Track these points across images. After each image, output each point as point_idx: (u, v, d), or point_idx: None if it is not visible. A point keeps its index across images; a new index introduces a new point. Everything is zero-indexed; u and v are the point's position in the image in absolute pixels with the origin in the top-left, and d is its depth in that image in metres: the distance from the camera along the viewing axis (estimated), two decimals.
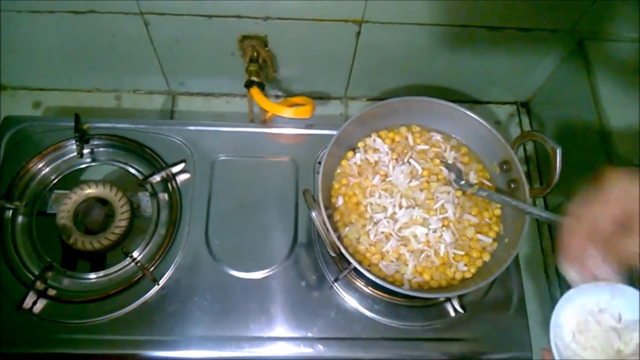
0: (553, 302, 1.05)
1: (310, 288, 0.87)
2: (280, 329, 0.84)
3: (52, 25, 0.97)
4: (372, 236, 0.82)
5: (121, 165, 0.95)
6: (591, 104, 0.97)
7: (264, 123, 1.03)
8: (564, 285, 0.90)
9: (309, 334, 0.84)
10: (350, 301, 0.86)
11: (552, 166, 0.79)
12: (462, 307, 0.84)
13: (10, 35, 1.00)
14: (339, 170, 0.89)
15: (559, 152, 0.78)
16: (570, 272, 0.58)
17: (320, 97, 1.20)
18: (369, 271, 0.75)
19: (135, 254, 0.87)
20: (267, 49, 1.00)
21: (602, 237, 0.49)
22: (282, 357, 0.83)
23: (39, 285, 0.83)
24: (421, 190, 0.86)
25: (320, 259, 0.89)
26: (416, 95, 0.88)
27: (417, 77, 1.13)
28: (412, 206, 0.84)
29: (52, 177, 0.93)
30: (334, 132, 0.85)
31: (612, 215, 0.49)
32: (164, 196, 0.93)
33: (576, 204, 0.53)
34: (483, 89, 1.18)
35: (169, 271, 0.86)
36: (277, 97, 1.19)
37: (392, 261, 0.81)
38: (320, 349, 0.83)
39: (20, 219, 0.90)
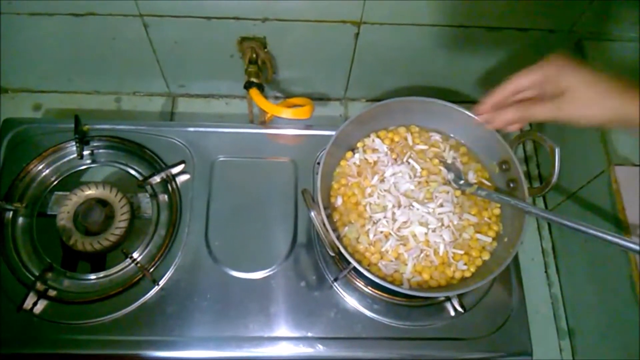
0: (553, 301, 1.06)
1: (310, 288, 0.87)
2: (280, 329, 0.84)
3: (51, 27, 0.97)
4: (371, 236, 0.83)
5: (121, 166, 0.95)
6: None
7: (264, 124, 1.03)
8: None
9: (309, 334, 0.84)
10: (350, 301, 0.86)
11: (551, 166, 0.79)
12: (462, 306, 0.84)
13: (10, 37, 1.00)
14: (338, 171, 0.89)
15: (557, 151, 0.78)
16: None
17: (319, 98, 1.20)
18: (368, 271, 0.76)
19: (135, 254, 0.87)
20: (266, 50, 1.00)
21: (519, 99, 0.65)
22: (282, 357, 0.83)
23: (39, 286, 0.83)
24: (420, 189, 0.86)
25: (320, 258, 0.89)
26: (415, 96, 0.89)
27: (416, 77, 1.13)
28: (411, 206, 0.84)
29: (52, 179, 0.94)
30: (333, 133, 0.85)
31: (533, 79, 0.62)
32: (163, 197, 0.93)
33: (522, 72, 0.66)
34: (482, 89, 1.18)
35: (168, 272, 0.86)
36: (277, 98, 1.19)
37: (392, 260, 0.82)
38: (320, 348, 0.83)
39: (20, 220, 0.90)
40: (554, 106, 0.61)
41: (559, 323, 1.05)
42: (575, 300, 1.04)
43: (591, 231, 0.71)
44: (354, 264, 0.75)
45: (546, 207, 1.13)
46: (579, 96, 0.58)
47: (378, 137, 0.91)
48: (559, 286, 1.08)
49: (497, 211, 0.87)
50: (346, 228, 0.84)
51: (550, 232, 1.13)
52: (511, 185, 0.86)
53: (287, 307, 0.86)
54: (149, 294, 0.85)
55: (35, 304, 0.83)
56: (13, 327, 0.82)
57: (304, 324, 0.85)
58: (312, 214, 0.76)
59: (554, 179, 0.79)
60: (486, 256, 0.83)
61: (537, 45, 1.03)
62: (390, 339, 0.85)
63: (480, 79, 1.14)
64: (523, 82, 0.64)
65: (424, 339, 0.85)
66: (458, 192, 0.86)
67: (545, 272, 1.09)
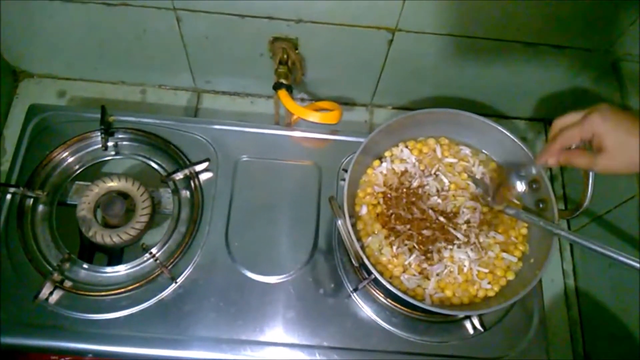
0: (571, 324, 1.04)
1: (328, 296, 0.86)
2: (296, 336, 0.83)
3: (83, 15, 0.97)
4: (394, 248, 0.81)
5: (144, 160, 0.94)
6: None
7: (289, 126, 1.02)
8: None
9: (325, 343, 0.83)
10: (368, 312, 0.85)
11: (583, 189, 0.77)
12: (482, 325, 0.83)
13: (40, 23, 1.00)
14: (364, 179, 0.88)
15: (591, 175, 0.76)
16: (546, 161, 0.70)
17: (345, 103, 1.19)
18: (390, 284, 0.74)
19: (154, 250, 0.86)
20: (297, 51, 0.99)
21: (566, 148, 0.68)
22: None
23: (56, 276, 0.83)
24: (447, 204, 0.84)
25: (340, 267, 0.87)
26: (442, 106, 0.87)
27: (446, 88, 1.12)
28: (437, 220, 0.83)
29: (75, 168, 0.93)
30: (359, 139, 0.84)
31: (581, 136, 0.66)
32: (185, 194, 0.92)
33: (564, 117, 0.69)
34: (512, 103, 1.17)
35: (187, 270, 0.86)
36: (303, 100, 1.18)
37: (414, 275, 0.80)
38: (335, 358, 0.82)
39: (40, 208, 0.89)
40: (591, 160, 0.66)
41: (576, 346, 1.03)
42: (594, 324, 1.02)
43: (622, 258, 0.69)
44: (377, 276, 0.74)
45: (569, 228, 1.11)
46: (613, 158, 0.64)
47: (407, 147, 0.90)
48: (577, 309, 1.06)
49: (524, 231, 0.85)
50: (370, 238, 0.82)
51: (572, 254, 1.11)
52: (540, 205, 0.84)
53: (304, 314, 0.84)
54: (166, 291, 0.84)
55: (51, 293, 0.82)
56: (28, 315, 0.81)
57: (319, 332, 0.84)
58: (339, 222, 0.74)
59: (586, 202, 0.78)
60: (511, 276, 0.82)
61: (572, 63, 1.02)
62: (406, 354, 0.83)
63: (512, 93, 1.12)
64: (573, 138, 0.68)
65: (440, 356, 0.83)
66: (486, 209, 0.85)
67: (565, 294, 1.08)
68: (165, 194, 0.92)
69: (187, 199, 0.91)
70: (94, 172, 0.94)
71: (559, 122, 0.70)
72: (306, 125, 0.99)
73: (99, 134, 0.92)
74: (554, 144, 0.69)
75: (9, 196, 0.89)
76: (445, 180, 0.86)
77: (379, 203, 0.85)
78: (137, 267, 0.86)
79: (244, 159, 0.95)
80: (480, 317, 0.83)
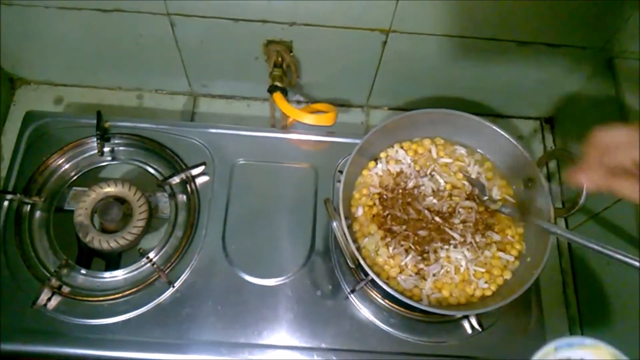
0: (570, 324, 1.04)
1: (326, 298, 0.86)
2: (294, 338, 0.83)
3: (78, 22, 0.97)
4: (391, 249, 0.81)
5: (141, 164, 0.95)
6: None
7: (285, 128, 1.02)
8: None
9: (323, 345, 0.83)
10: (366, 313, 0.85)
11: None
12: (480, 325, 0.83)
13: (36, 30, 1.00)
14: (359, 180, 0.88)
15: None
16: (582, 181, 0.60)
17: (341, 105, 1.19)
18: (387, 284, 0.74)
19: (151, 254, 0.86)
20: (291, 54, 0.99)
21: (614, 171, 0.54)
22: None
23: (54, 282, 0.83)
24: (443, 204, 0.84)
25: (337, 268, 0.88)
26: (438, 106, 0.87)
27: (440, 88, 1.12)
28: (433, 220, 0.83)
29: (72, 174, 0.93)
30: (355, 141, 0.84)
31: (633, 157, 0.52)
32: (182, 198, 0.92)
33: (613, 132, 0.55)
34: (507, 102, 1.17)
35: (184, 274, 0.86)
36: (299, 102, 1.19)
37: (411, 275, 0.80)
38: (333, 359, 0.82)
39: (38, 214, 0.90)
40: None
41: None
42: (594, 323, 1.02)
43: (620, 257, 0.69)
44: (374, 277, 0.74)
45: (567, 226, 1.11)
46: None
47: (402, 148, 0.90)
48: (577, 307, 1.06)
49: (520, 230, 0.85)
50: (366, 239, 0.82)
51: (570, 251, 1.11)
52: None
53: (302, 316, 0.85)
54: (163, 296, 0.84)
55: (49, 299, 0.82)
56: (26, 322, 0.81)
57: (318, 334, 0.84)
58: (334, 224, 0.75)
59: (582, 200, 0.77)
60: (508, 275, 0.82)
61: (567, 61, 1.02)
62: (405, 354, 0.83)
63: (508, 92, 1.12)
64: (623, 159, 0.54)
65: (439, 356, 0.83)
66: (482, 208, 0.85)
67: (564, 292, 1.07)
68: (162, 199, 0.93)
69: (184, 203, 0.92)
70: (90, 177, 0.94)
71: (604, 138, 0.56)
72: (302, 128, 0.99)
73: (95, 139, 0.93)
74: (595, 164, 0.55)
75: (6, 203, 0.89)
76: (441, 181, 0.86)
77: (374, 204, 0.85)
78: (135, 272, 0.86)
79: (240, 162, 0.95)
80: (477, 316, 0.83)
